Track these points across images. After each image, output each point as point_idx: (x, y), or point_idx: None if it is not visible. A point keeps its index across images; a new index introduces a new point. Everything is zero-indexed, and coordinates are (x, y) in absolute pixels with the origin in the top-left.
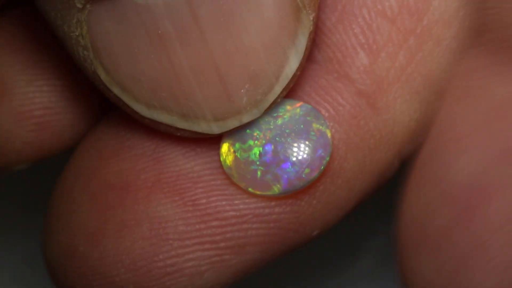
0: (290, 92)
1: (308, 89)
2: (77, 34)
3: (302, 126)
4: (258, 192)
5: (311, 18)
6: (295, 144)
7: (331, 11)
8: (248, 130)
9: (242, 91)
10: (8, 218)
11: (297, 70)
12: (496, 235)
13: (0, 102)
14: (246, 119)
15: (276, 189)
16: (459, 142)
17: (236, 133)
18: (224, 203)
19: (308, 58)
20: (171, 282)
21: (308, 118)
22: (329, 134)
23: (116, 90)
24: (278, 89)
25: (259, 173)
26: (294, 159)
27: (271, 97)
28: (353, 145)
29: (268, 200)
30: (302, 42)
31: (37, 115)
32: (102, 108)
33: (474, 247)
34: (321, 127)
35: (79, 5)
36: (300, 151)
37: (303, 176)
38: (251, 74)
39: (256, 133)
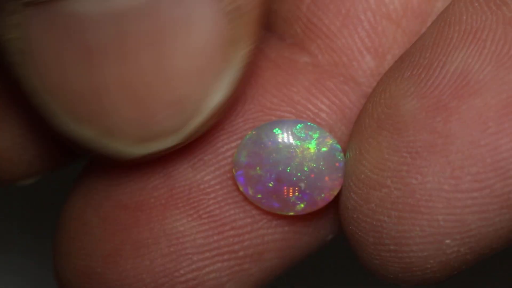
0: (299, 96)
1: (314, 91)
2: (9, 37)
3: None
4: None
5: (246, 51)
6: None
7: (335, 15)
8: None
9: (165, 113)
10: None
11: (223, 102)
12: (463, 131)
13: None
14: (165, 144)
15: (299, 208)
16: (463, 35)
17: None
18: (237, 211)
19: (312, 63)
20: None
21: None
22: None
23: (41, 100)
24: (201, 118)
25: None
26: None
27: (193, 125)
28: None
29: None
30: (231, 74)
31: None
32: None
33: (439, 136)
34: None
35: (17, 7)
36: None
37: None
38: (174, 99)
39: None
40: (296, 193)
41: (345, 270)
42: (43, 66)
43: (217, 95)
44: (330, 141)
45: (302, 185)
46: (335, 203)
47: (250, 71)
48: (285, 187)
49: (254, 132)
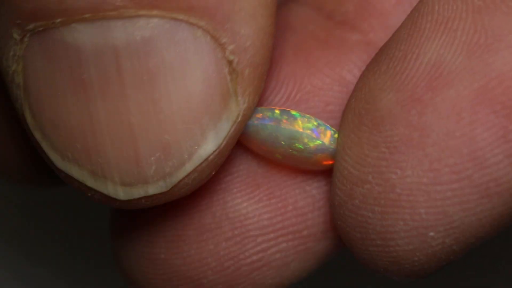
0: (351, 75)
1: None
2: (13, 69)
3: None
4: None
5: (241, 107)
6: None
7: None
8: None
9: (152, 158)
10: None
11: (214, 154)
12: (438, 123)
13: None
14: (152, 190)
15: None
16: (435, 26)
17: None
18: (298, 191)
19: (364, 41)
20: (259, 277)
21: None
22: None
23: (38, 136)
24: (189, 167)
25: None
26: None
27: (181, 174)
28: None
29: None
30: (224, 127)
31: None
32: None
33: (415, 129)
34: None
35: (16, 36)
36: None
37: None
38: (164, 143)
39: None
40: None
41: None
42: (37, 101)
43: (208, 146)
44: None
45: None
46: None
47: (240, 131)
48: None
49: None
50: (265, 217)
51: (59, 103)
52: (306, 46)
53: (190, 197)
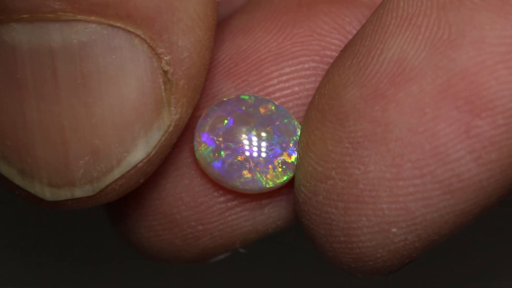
0: (351, 26)
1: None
2: None
3: None
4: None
5: (173, 117)
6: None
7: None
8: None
9: (81, 161)
10: None
11: (143, 162)
12: (401, 119)
13: None
14: (78, 193)
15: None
16: (399, 22)
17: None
18: None
19: None
20: (233, 217)
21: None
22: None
23: None
24: (117, 173)
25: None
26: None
27: (108, 179)
28: None
29: None
30: (155, 136)
31: None
32: None
33: (378, 125)
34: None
35: None
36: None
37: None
38: (93, 148)
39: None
40: None
41: None
42: None
43: (138, 154)
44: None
45: None
46: None
47: (174, 140)
48: None
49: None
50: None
51: None
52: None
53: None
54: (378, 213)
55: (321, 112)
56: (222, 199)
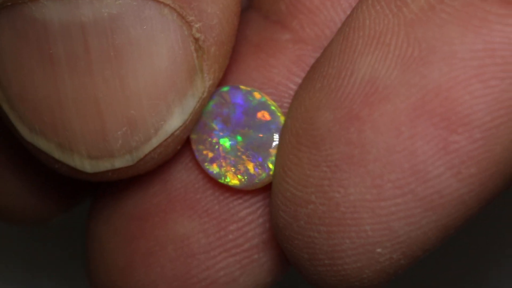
0: (280, 76)
1: (296, 70)
2: None
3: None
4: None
5: (207, 84)
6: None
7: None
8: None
9: (118, 132)
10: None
11: (180, 130)
12: (377, 139)
13: None
14: (118, 164)
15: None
16: (368, 41)
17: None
18: (235, 203)
19: (292, 40)
20: None
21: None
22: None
23: (5, 108)
24: (155, 142)
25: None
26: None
27: (147, 148)
28: None
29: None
30: (190, 104)
31: None
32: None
33: (355, 147)
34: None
35: None
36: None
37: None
38: (130, 118)
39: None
40: None
41: None
42: (5, 74)
43: (174, 121)
44: None
45: None
46: None
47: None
48: None
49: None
50: (204, 235)
51: (27, 77)
52: (240, 50)
53: (137, 219)
54: (362, 234)
55: (295, 136)
56: (195, 280)
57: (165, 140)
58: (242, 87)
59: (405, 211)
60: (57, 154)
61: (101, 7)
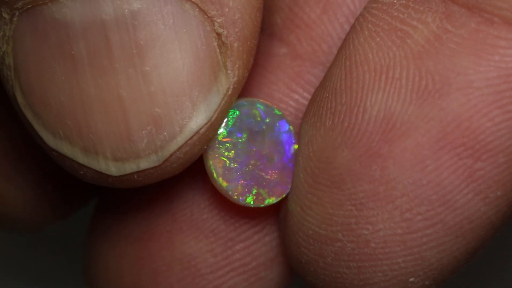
0: (280, 93)
1: (295, 87)
2: (3, 50)
3: None
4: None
5: (231, 80)
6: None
7: (315, 2)
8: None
9: (143, 132)
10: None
11: (205, 127)
12: (402, 174)
13: None
14: (144, 164)
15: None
16: (375, 76)
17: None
18: (241, 223)
19: (290, 55)
20: None
21: None
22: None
23: (28, 115)
24: (180, 140)
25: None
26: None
27: (172, 147)
28: None
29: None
30: (215, 100)
31: None
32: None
33: (380, 184)
34: None
35: (5, 15)
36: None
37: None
38: (154, 117)
39: None
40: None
41: None
42: (27, 80)
43: (199, 119)
44: None
45: None
46: None
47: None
48: None
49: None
50: (211, 255)
51: (49, 81)
52: None
53: (142, 241)
54: (394, 267)
55: (311, 176)
56: None
57: (191, 138)
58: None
59: (436, 240)
60: (81, 158)
61: (122, 4)
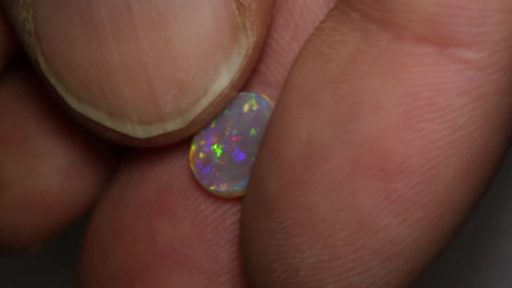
0: None
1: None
2: (23, 17)
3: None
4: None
5: (251, 40)
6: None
7: (284, 29)
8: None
9: (168, 96)
10: None
11: (228, 88)
12: (322, 200)
13: (1, 195)
14: (170, 127)
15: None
16: (300, 102)
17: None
18: (224, 255)
19: (263, 82)
20: None
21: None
22: None
23: (52, 80)
24: (205, 102)
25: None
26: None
27: (197, 109)
28: None
29: None
30: (236, 61)
31: (38, 202)
32: (102, 175)
33: (303, 210)
34: None
35: None
36: None
37: None
38: (178, 81)
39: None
40: None
41: None
42: (49, 46)
43: (223, 81)
44: None
45: None
46: None
47: (254, 63)
48: None
49: None
50: None
51: (72, 47)
52: None
53: (122, 278)
54: None
55: (252, 206)
56: None
57: (214, 100)
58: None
59: (362, 265)
60: (108, 122)
61: None
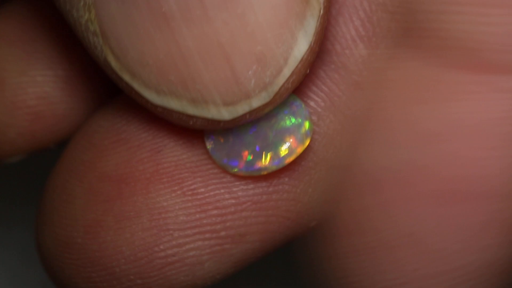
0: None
1: (305, 79)
2: (86, 18)
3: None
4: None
5: (321, 0)
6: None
7: (331, 3)
8: None
9: (249, 72)
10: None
11: (307, 53)
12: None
13: None
14: (256, 103)
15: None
16: (387, 128)
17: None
18: (222, 191)
19: None
20: (172, 272)
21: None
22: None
23: (126, 77)
24: (287, 71)
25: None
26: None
27: (281, 80)
28: (348, 135)
29: (265, 187)
30: (311, 24)
31: (30, 105)
32: (98, 99)
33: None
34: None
35: None
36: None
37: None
38: (258, 55)
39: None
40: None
41: None
42: (118, 44)
43: (301, 46)
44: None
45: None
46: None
47: (326, 23)
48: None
49: None
50: (184, 213)
51: (143, 40)
52: None
53: (114, 181)
54: None
55: None
56: (162, 254)
57: (296, 67)
58: None
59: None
60: (191, 110)
61: None
